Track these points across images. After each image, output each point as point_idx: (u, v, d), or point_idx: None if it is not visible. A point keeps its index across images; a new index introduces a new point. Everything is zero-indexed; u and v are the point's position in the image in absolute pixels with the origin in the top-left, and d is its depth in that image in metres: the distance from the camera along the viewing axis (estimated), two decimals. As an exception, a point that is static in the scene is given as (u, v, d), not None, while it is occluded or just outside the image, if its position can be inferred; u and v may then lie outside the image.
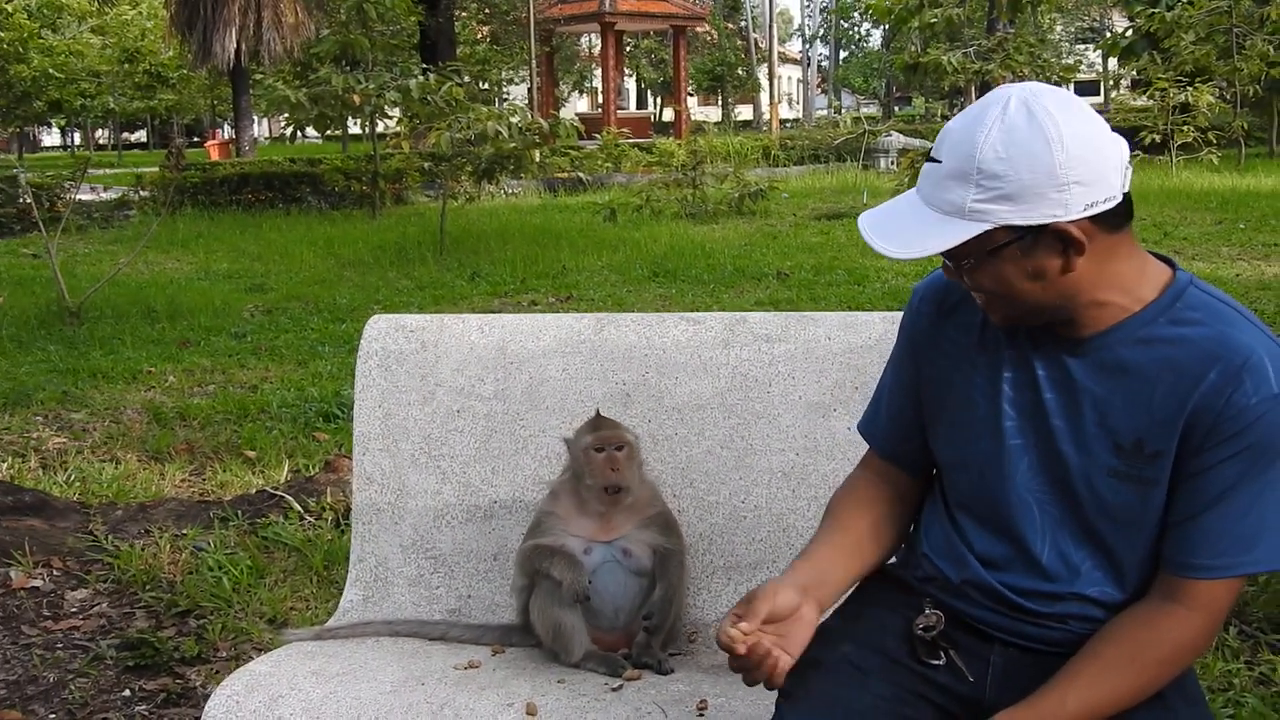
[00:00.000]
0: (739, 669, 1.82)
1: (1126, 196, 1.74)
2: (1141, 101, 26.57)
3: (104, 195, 21.15)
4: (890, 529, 2.07)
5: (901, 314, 2.09)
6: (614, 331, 2.93)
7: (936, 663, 1.92)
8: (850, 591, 2.07)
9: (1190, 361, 1.73)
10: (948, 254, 1.76)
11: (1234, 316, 1.77)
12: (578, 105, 58.94)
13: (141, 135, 60.82)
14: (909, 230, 1.74)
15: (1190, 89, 20.76)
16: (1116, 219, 1.73)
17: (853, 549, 2.02)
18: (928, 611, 1.95)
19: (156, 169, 20.78)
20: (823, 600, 1.93)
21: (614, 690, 2.36)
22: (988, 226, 1.69)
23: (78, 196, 15.03)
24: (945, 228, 1.70)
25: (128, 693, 3.66)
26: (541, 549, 2.54)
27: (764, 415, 2.81)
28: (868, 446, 2.13)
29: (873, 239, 1.76)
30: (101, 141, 56.81)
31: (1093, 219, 1.70)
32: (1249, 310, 1.79)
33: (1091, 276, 1.75)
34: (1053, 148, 1.66)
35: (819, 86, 65.19)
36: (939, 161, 1.73)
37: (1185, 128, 20.82)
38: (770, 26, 48.97)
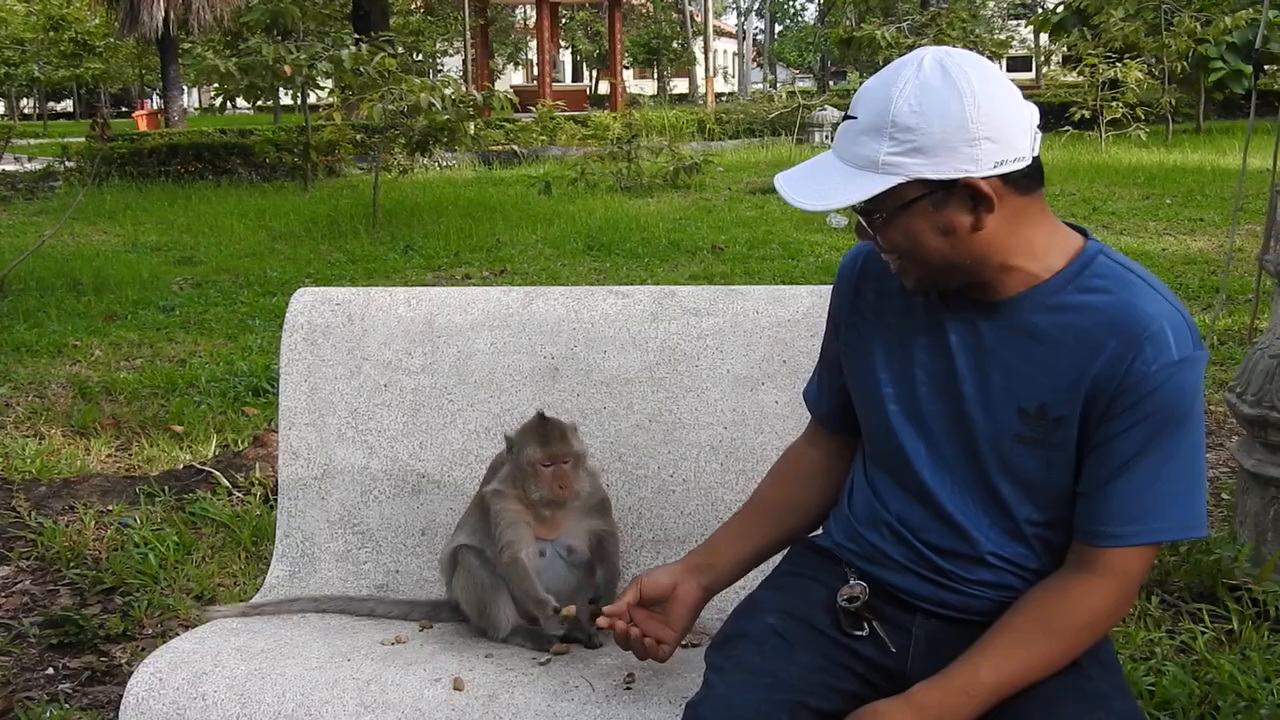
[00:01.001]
0: (624, 648, 2.00)
1: (1036, 161, 1.76)
2: (1072, 77, 26.85)
3: (29, 166, 20.75)
4: (814, 495, 2.13)
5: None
6: (543, 305, 2.90)
7: (860, 634, 1.94)
8: (779, 562, 2.13)
9: (1094, 329, 1.75)
10: (862, 211, 1.78)
11: (1140, 285, 1.78)
12: (513, 78, 58.58)
13: (68, 105, 59.66)
14: (824, 184, 1.75)
15: (1119, 65, 21.00)
16: (1027, 181, 1.75)
17: (753, 524, 2.12)
18: (852, 582, 1.97)
19: (83, 139, 20.41)
20: (712, 579, 2.08)
21: (542, 665, 2.35)
22: (900, 179, 1.70)
23: (1, 167, 14.72)
24: (858, 181, 1.72)
25: (51, 671, 3.60)
26: (520, 571, 2.50)
27: (692, 389, 2.80)
28: (806, 416, 2.20)
29: (787, 193, 1.76)
30: (26, 111, 55.66)
31: (1003, 178, 1.72)
32: (1158, 279, 1.81)
33: (1002, 238, 1.76)
34: (965, 103, 1.68)
35: (754, 60, 65.25)
36: (854, 118, 1.74)
37: (1114, 104, 21.07)
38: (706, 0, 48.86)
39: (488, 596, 2.49)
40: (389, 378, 2.89)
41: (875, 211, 1.75)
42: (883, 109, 1.71)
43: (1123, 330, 1.74)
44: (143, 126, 32.20)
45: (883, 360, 1.93)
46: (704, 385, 2.79)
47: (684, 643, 2.40)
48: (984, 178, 1.71)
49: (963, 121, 1.68)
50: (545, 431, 2.46)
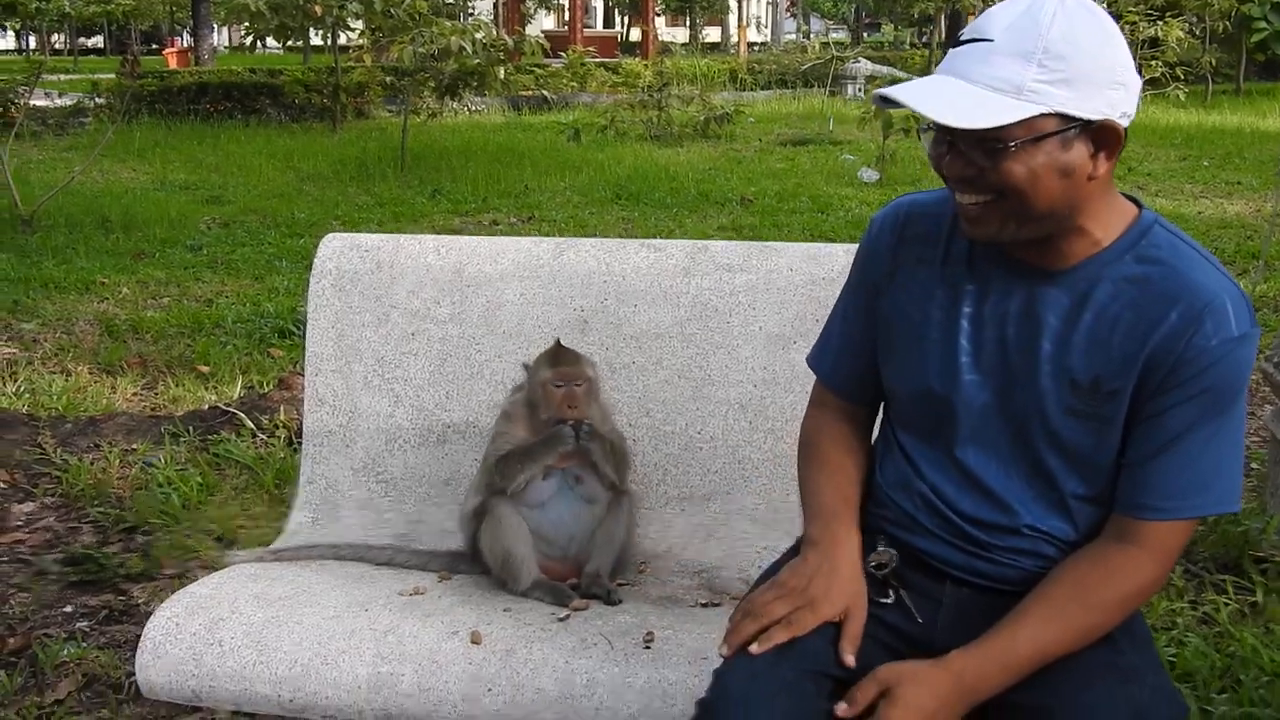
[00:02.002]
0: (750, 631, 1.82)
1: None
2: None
3: (59, 101, 20.73)
4: (865, 460, 2.06)
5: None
6: (574, 256, 2.88)
7: (886, 601, 1.91)
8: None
9: (1152, 302, 1.72)
10: (981, 139, 1.68)
11: (1196, 258, 1.75)
12: (544, 22, 58.18)
13: (98, 41, 59.60)
14: (956, 101, 1.65)
15: (1160, 23, 20.69)
16: (1122, 143, 1.71)
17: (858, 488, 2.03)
18: (880, 549, 1.94)
19: (113, 76, 20.37)
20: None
21: (561, 620, 2.33)
22: (1041, 110, 1.64)
23: (32, 102, 14.71)
24: (995, 103, 1.64)
25: (70, 608, 3.61)
26: (513, 454, 2.50)
27: (723, 346, 2.78)
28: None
29: (917, 102, 1.66)
30: (57, 46, 55.65)
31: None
32: (1210, 252, 1.77)
33: (1094, 195, 1.72)
34: (1113, 43, 1.66)
35: (788, 10, 64.65)
36: (989, 40, 1.66)
37: (1153, 62, 20.79)
38: (741, -53, 48.35)
39: (512, 548, 2.47)
40: (417, 326, 2.89)
41: (1001, 141, 1.66)
42: (1031, 34, 1.64)
43: (1183, 304, 1.71)
44: (172, 64, 32.15)
45: (925, 327, 1.88)
46: (735, 342, 2.78)
47: (704, 601, 2.45)
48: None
49: (1111, 63, 1.65)
50: (559, 354, 2.49)
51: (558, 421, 2.46)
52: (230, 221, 10.79)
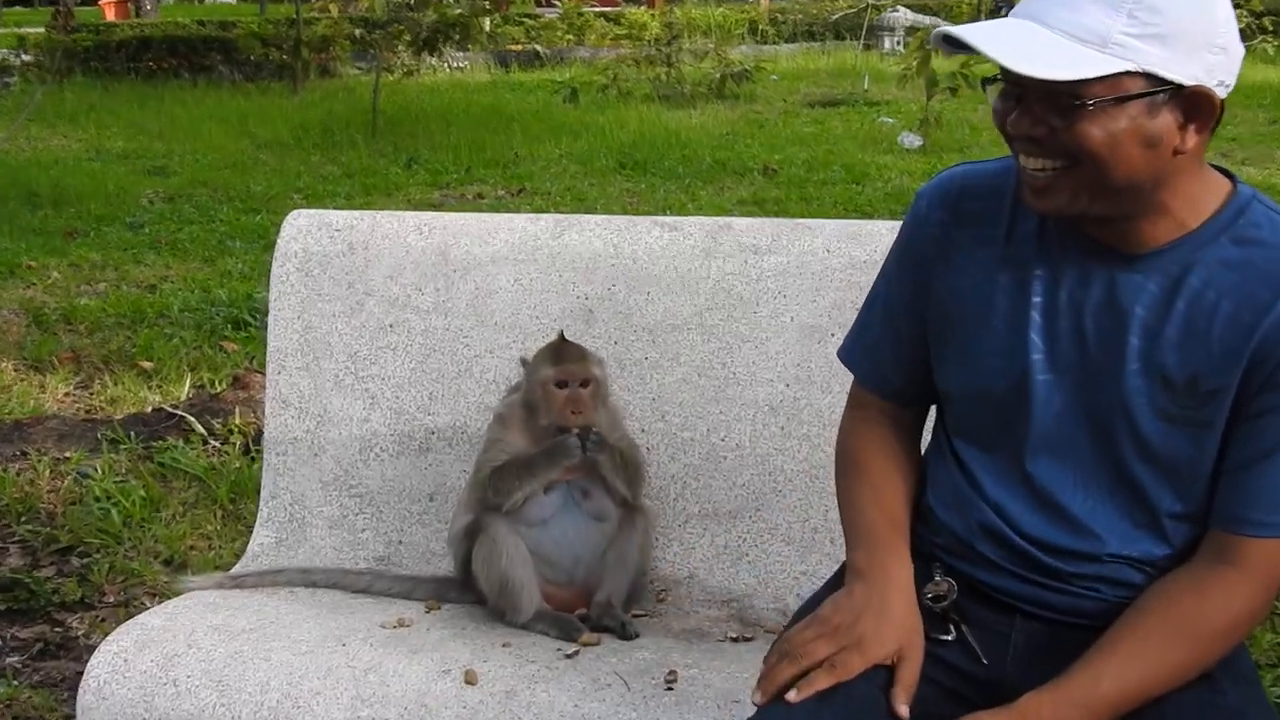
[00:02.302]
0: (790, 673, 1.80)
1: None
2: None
3: (-21, 58, 20.73)
4: (914, 473, 2.05)
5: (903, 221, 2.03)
6: (576, 236, 2.87)
7: (946, 638, 1.90)
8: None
9: (1255, 288, 1.70)
10: (1058, 90, 1.66)
11: None
12: (535, -34, 58.08)
13: (24, -12, 59.55)
14: (1030, 48, 1.64)
15: (1245, -33, 20.61)
16: (1217, 116, 1.70)
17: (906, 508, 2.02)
18: (938, 579, 1.93)
19: (43, 30, 20.37)
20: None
21: (568, 657, 2.33)
22: (1129, 67, 1.63)
23: (-52, 59, 14.72)
24: (1075, 54, 1.63)
25: (-1, 641, 3.60)
26: (509, 466, 2.51)
27: (750, 339, 2.76)
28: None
29: (989, 46, 1.65)
30: (-24, -6, 55.65)
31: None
32: None
33: (1182, 171, 1.71)
34: (1215, 1, 1.65)
35: (816, -48, 64.46)
36: None
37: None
38: (761, -121, 48.33)
39: (511, 572, 2.48)
40: (396, 317, 2.88)
41: (1078, 97, 1.65)
42: None
43: None
44: (110, 16, 32.12)
45: (987, 317, 1.86)
46: (764, 335, 2.76)
47: (733, 635, 2.48)
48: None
49: (1212, 22, 1.65)
50: (562, 350, 2.50)
51: (560, 429, 2.47)
52: (176, 195, 10.77)
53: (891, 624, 1.81)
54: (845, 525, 1.99)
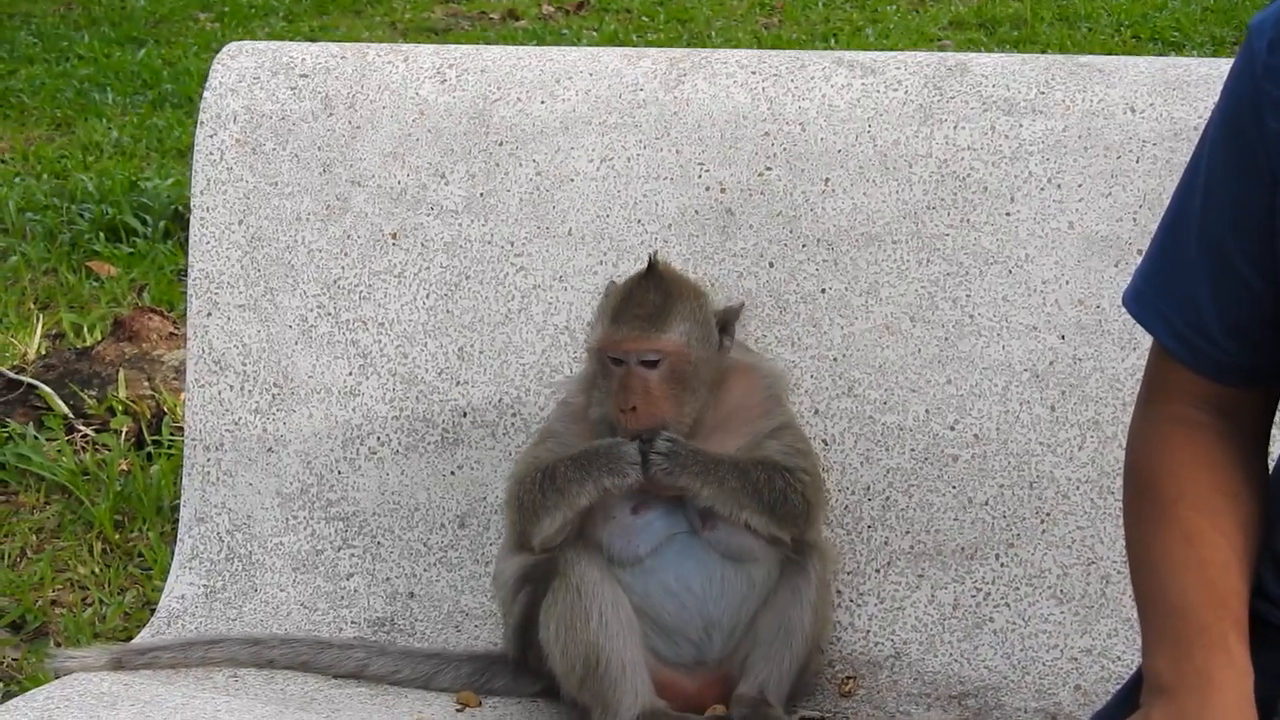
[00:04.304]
0: None
1: None
2: None
3: None
4: (1257, 507, 1.66)
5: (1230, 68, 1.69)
6: (704, 86, 2.44)
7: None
8: None
9: None
10: None
11: None
12: None
13: None
14: None
15: None
16: None
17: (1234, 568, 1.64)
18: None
19: None
20: None
21: None
22: None
23: None
24: None
25: None
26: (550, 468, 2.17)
27: (998, 259, 2.30)
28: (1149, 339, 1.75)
29: None
30: None
31: None
32: None
33: None
34: None
35: None
36: None
37: None
38: None
39: (604, 644, 2.09)
40: (402, 221, 2.45)
41: None
42: None
43: None
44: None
45: None
46: (1022, 252, 2.32)
47: None
48: None
49: None
50: (631, 298, 2.14)
51: (612, 428, 2.16)
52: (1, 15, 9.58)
53: None
54: (1140, 601, 1.66)
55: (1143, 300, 1.71)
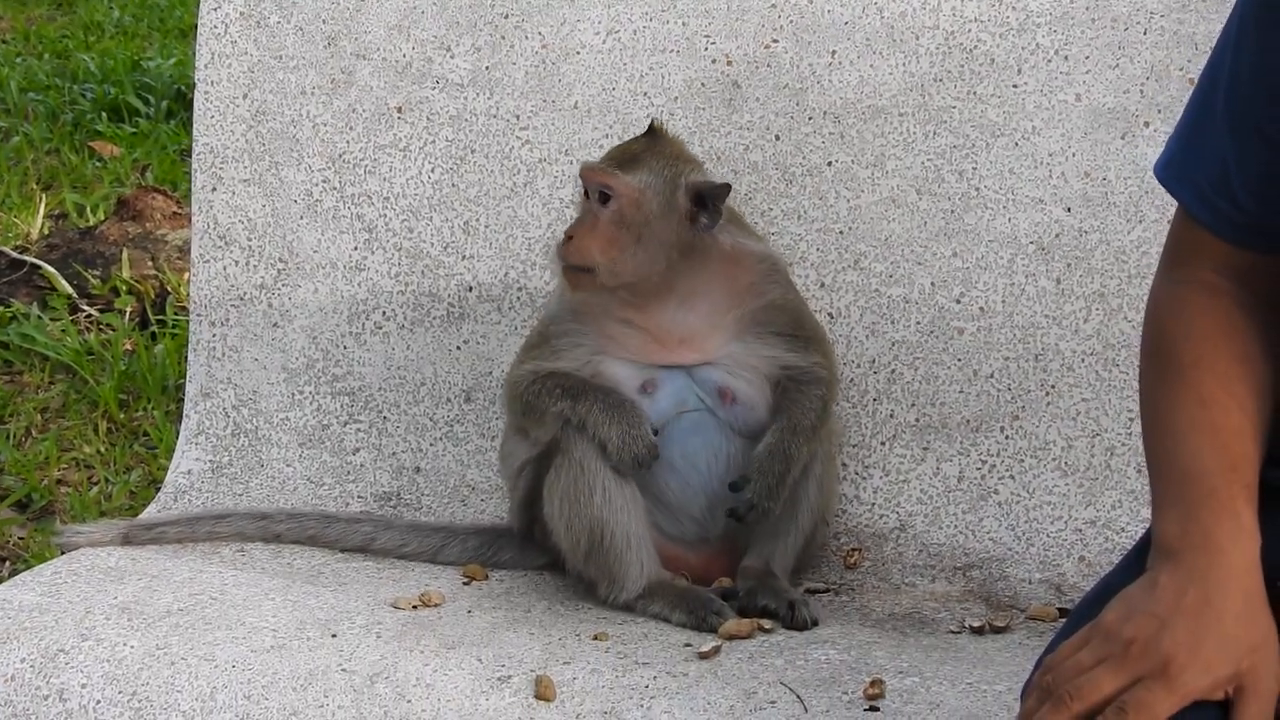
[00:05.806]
0: None
1: None
2: None
3: None
4: (1265, 372, 1.66)
5: None
6: None
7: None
8: None
9: None
10: None
11: None
12: None
13: None
14: None
15: None
16: None
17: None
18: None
19: None
20: None
21: (702, 657, 1.93)
22: None
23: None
24: None
25: None
26: (555, 382, 2.14)
27: (1004, 130, 2.31)
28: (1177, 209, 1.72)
29: None
30: None
31: None
32: None
33: None
34: None
35: None
36: None
37: None
38: None
39: (609, 519, 2.07)
40: (408, 94, 2.47)
41: None
42: None
43: None
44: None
45: None
46: (1029, 124, 2.33)
47: (975, 625, 2.08)
48: None
49: None
50: (619, 144, 2.22)
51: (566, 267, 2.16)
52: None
53: (1221, 637, 1.53)
54: (1152, 465, 1.67)
55: (1171, 168, 1.70)
